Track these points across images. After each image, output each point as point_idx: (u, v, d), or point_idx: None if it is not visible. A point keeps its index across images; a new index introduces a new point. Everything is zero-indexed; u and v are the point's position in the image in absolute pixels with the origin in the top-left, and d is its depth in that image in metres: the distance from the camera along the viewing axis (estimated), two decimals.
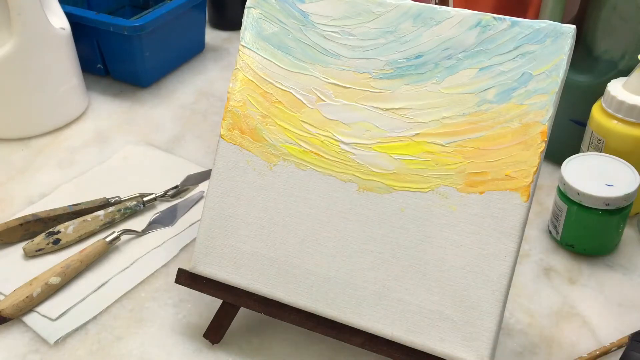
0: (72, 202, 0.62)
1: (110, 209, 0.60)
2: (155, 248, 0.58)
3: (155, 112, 0.79)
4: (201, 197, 0.64)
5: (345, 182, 0.44)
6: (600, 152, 0.58)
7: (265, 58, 0.47)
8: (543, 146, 0.41)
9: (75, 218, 0.60)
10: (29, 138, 0.74)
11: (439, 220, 0.42)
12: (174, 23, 0.82)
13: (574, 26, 0.41)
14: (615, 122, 0.57)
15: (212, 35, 0.95)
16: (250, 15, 0.47)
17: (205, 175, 0.67)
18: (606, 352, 0.49)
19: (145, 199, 0.62)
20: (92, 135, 0.74)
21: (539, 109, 0.41)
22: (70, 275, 0.54)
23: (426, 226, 0.43)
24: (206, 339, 0.49)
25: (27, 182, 0.67)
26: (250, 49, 0.47)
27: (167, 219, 0.61)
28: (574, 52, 0.42)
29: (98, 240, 0.57)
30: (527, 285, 0.55)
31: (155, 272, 0.56)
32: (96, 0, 0.89)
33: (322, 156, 0.45)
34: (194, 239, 0.56)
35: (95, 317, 0.52)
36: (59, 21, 0.73)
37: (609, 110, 0.57)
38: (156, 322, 0.51)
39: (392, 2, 0.45)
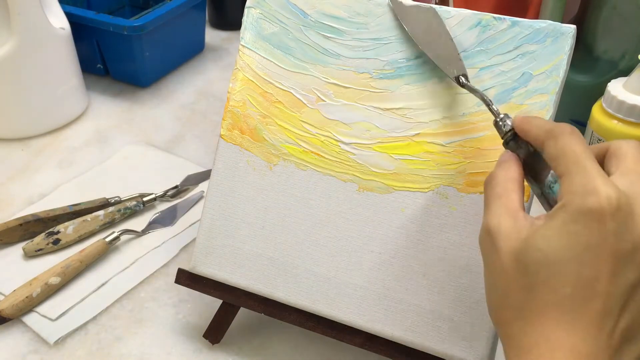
0: (72, 202, 0.62)
1: (110, 209, 0.60)
2: (155, 248, 0.58)
3: (155, 112, 0.79)
4: (201, 197, 0.64)
5: (345, 182, 0.44)
6: None
7: (265, 58, 0.47)
8: None
9: (75, 218, 0.60)
10: (29, 138, 0.74)
11: (439, 220, 0.42)
12: (174, 23, 0.82)
13: (574, 26, 0.41)
14: (616, 122, 0.57)
15: (212, 35, 0.95)
16: (250, 15, 0.47)
17: (205, 175, 0.67)
18: None
19: (145, 199, 0.62)
20: (92, 135, 0.74)
21: (539, 109, 0.41)
22: (70, 275, 0.54)
23: (426, 226, 0.43)
24: (206, 339, 0.49)
25: (27, 182, 0.67)
26: (250, 49, 0.47)
27: (167, 219, 0.61)
28: (574, 52, 0.42)
29: (98, 240, 0.57)
30: None
31: (155, 272, 0.56)
32: (96, 0, 0.89)
33: (322, 156, 0.45)
34: (194, 239, 0.56)
35: (95, 317, 0.52)
36: (59, 21, 0.73)
37: (609, 110, 0.57)
38: (156, 322, 0.51)
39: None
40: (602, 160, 0.32)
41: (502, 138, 0.36)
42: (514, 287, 0.30)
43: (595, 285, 0.28)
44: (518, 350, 0.29)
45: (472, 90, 0.40)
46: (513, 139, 0.35)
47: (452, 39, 0.42)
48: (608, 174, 0.30)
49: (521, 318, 0.30)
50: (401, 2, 0.44)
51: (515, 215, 0.31)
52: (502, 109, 0.42)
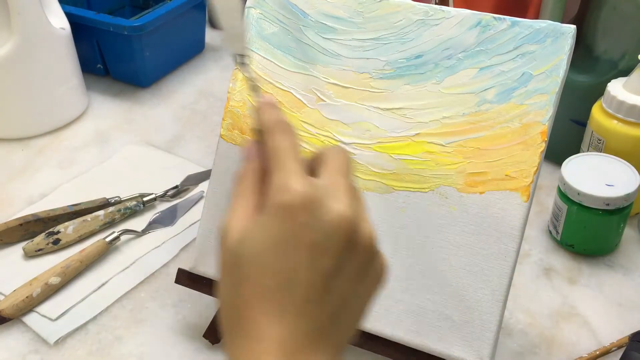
0: (72, 202, 0.62)
1: (110, 209, 0.60)
2: (155, 248, 0.58)
3: (155, 112, 0.79)
4: (201, 197, 0.64)
5: None
6: (600, 152, 0.58)
7: (265, 58, 0.47)
8: (543, 146, 0.41)
9: (75, 218, 0.60)
10: (29, 138, 0.74)
11: (439, 220, 0.42)
12: (174, 23, 0.82)
13: (574, 26, 0.41)
14: (615, 122, 0.57)
15: (212, 35, 0.95)
16: (250, 15, 0.47)
17: (205, 175, 0.67)
18: (606, 352, 0.48)
19: (145, 199, 0.62)
20: (92, 135, 0.74)
21: (539, 109, 0.41)
22: (70, 275, 0.54)
23: (426, 226, 0.43)
24: (206, 339, 0.49)
25: (27, 182, 0.67)
26: (250, 49, 0.47)
27: (167, 219, 0.61)
28: (574, 52, 0.42)
29: (98, 240, 0.57)
30: (527, 285, 0.55)
31: (155, 272, 0.56)
32: (96, 0, 0.89)
33: None
34: (194, 239, 0.56)
35: (95, 317, 0.52)
36: (59, 21, 0.73)
37: (609, 110, 0.57)
38: (156, 322, 0.51)
39: (392, 3, 0.45)
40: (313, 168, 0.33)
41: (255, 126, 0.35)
42: (228, 284, 0.31)
43: (293, 276, 0.29)
44: (232, 350, 0.30)
45: (245, 71, 0.38)
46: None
47: (243, 18, 0.40)
48: (317, 175, 0.32)
49: (234, 316, 0.30)
50: None
51: (246, 215, 0.32)
52: (502, 109, 0.42)
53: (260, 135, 0.34)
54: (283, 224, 0.29)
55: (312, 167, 0.33)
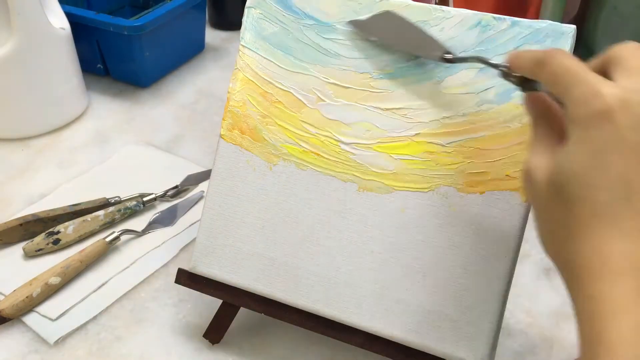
0: (72, 202, 0.62)
1: (110, 209, 0.60)
2: (155, 248, 0.58)
3: (155, 112, 0.79)
4: (201, 197, 0.64)
5: (345, 182, 0.44)
6: None
7: (265, 58, 0.47)
8: None
9: (75, 218, 0.60)
10: (29, 138, 0.74)
11: (439, 220, 0.42)
12: (174, 23, 0.82)
13: (574, 26, 0.41)
14: None
15: (212, 35, 0.95)
16: (250, 15, 0.47)
17: (205, 175, 0.67)
18: None
19: (145, 199, 0.62)
20: (92, 135, 0.74)
21: None
22: (70, 275, 0.54)
23: (426, 226, 0.43)
24: (206, 339, 0.49)
25: (27, 182, 0.67)
26: (250, 49, 0.47)
27: (167, 219, 0.61)
28: (574, 52, 0.42)
29: (98, 240, 0.57)
30: (527, 285, 0.55)
31: (155, 272, 0.56)
32: (96, 0, 0.89)
33: (322, 156, 0.45)
34: (194, 239, 0.56)
35: (95, 317, 0.52)
36: (59, 21, 0.73)
37: None
38: (156, 322, 0.51)
39: (392, 3, 0.45)
40: (604, 72, 0.31)
41: (519, 85, 0.35)
42: (556, 211, 0.30)
43: (628, 183, 0.27)
44: (574, 274, 0.29)
45: (463, 59, 0.40)
46: (526, 80, 0.34)
47: (416, 26, 0.43)
48: (613, 80, 0.30)
49: (570, 238, 0.29)
50: (357, 20, 0.45)
51: (550, 151, 0.31)
52: (502, 109, 0.42)
53: (532, 87, 0.33)
54: (601, 132, 0.27)
55: (603, 73, 0.30)
